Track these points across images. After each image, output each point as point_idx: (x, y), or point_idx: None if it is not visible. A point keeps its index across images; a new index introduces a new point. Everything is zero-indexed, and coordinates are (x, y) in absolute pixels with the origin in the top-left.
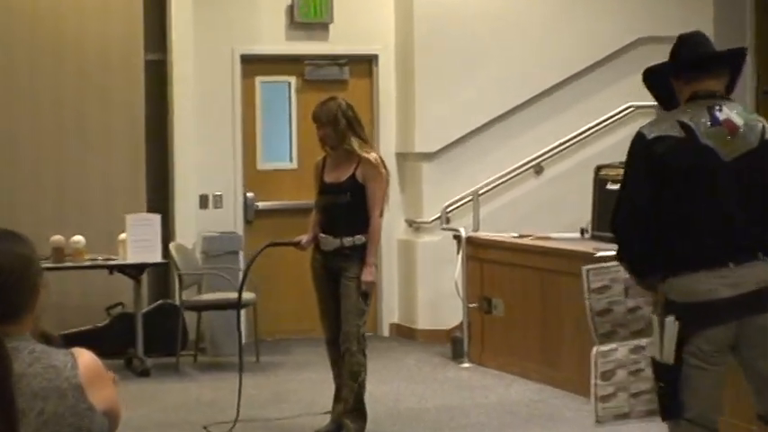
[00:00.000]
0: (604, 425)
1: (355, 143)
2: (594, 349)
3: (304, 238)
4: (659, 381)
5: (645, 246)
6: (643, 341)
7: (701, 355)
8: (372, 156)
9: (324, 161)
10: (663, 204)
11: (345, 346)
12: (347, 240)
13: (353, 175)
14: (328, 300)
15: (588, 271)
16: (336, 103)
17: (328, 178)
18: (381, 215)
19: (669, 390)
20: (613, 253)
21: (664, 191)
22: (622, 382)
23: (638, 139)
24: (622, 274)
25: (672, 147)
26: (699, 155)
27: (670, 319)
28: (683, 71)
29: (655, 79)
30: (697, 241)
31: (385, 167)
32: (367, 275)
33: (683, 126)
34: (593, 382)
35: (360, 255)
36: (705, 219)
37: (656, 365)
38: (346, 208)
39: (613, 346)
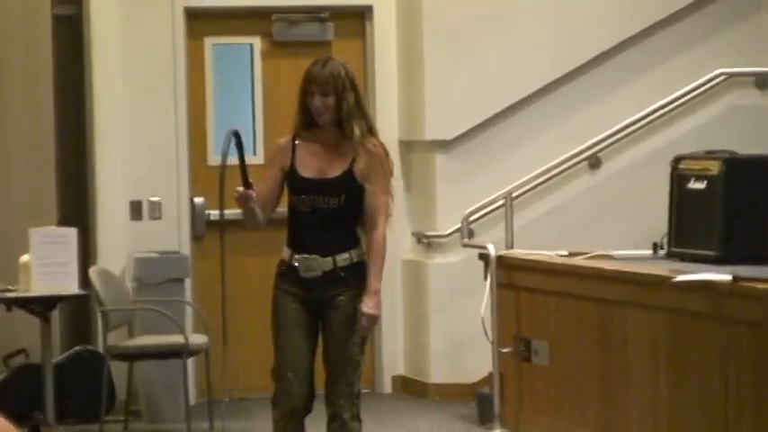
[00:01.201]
0: None
1: (359, 128)
2: None
3: (253, 193)
4: None
5: None
6: None
7: None
8: (374, 142)
9: (293, 144)
10: None
11: (333, 412)
12: (342, 258)
13: (350, 171)
14: (303, 349)
15: None
16: (343, 66)
17: (306, 171)
18: (387, 225)
19: None
20: (706, 276)
21: None
22: None
23: None
24: None
25: None
26: None
27: None
28: None
29: None
30: None
31: (389, 158)
32: (372, 307)
33: None
34: None
35: (359, 277)
36: None
37: None
38: (339, 215)
39: None
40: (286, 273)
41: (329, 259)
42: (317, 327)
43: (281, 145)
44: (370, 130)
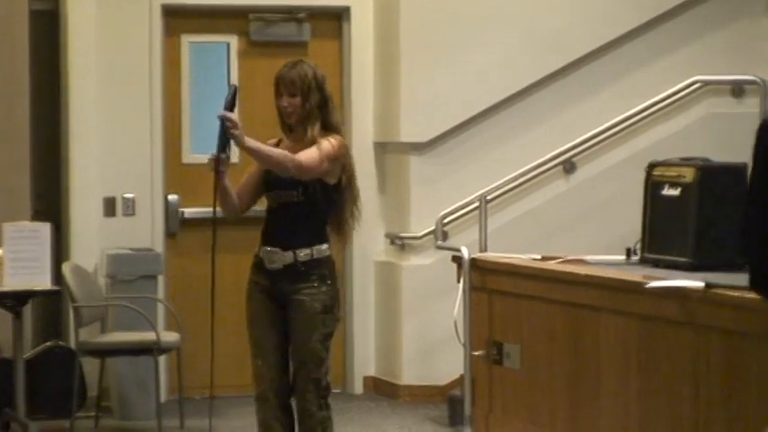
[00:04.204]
0: None
1: (312, 129)
2: None
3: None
4: None
5: None
6: None
7: None
8: (335, 136)
9: (276, 145)
10: None
11: (301, 407)
12: (303, 254)
13: None
14: (269, 335)
15: None
16: (312, 68)
17: None
18: (298, 165)
19: None
20: (678, 283)
21: None
22: None
23: (764, 130)
24: None
25: None
26: None
27: None
28: None
29: None
30: None
31: (347, 149)
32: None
33: None
34: None
35: (321, 274)
36: None
37: None
38: (299, 209)
39: None
40: (256, 264)
41: (290, 253)
42: (283, 317)
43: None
44: (333, 130)
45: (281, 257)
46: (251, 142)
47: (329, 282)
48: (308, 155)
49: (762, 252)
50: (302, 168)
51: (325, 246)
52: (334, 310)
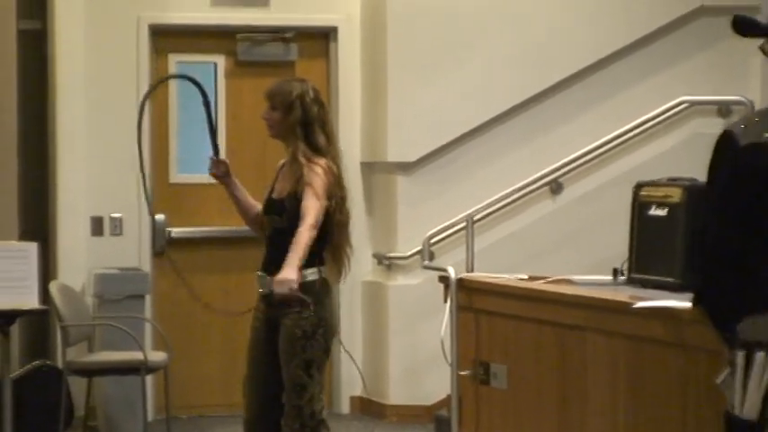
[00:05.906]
0: None
1: (302, 150)
2: None
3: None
4: None
5: (735, 286)
6: None
7: None
8: (316, 161)
9: (282, 166)
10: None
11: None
12: None
13: (294, 192)
14: (259, 361)
15: None
16: (302, 86)
17: (275, 192)
18: (311, 228)
19: None
20: (666, 303)
21: (758, 210)
22: None
23: (727, 142)
24: None
25: None
26: None
27: (760, 355)
28: None
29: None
30: None
31: (333, 175)
32: (281, 276)
33: None
34: None
35: (302, 299)
36: None
37: (732, 423)
38: (284, 235)
39: None
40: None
41: (272, 279)
42: (273, 342)
43: (278, 166)
44: (317, 152)
45: (267, 282)
46: (293, 264)
47: (312, 308)
48: (309, 212)
49: (717, 266)
50: (314, 225)
51: (310, 270)
52: (317, 336)
